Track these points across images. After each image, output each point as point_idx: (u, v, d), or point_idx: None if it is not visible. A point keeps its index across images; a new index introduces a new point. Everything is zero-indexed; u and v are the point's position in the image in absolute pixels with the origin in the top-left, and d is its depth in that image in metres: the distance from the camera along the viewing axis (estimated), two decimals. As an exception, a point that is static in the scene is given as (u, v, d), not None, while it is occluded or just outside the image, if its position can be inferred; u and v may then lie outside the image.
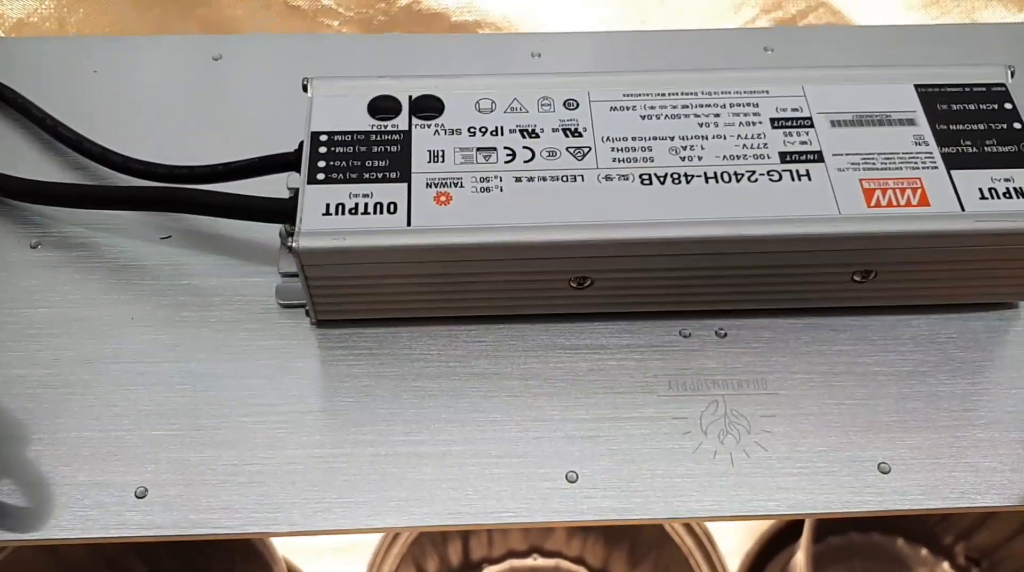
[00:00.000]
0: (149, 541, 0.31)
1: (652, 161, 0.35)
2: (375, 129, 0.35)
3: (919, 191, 0.34)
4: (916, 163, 0.34)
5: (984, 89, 0.37)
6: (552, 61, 0.45)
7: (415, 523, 0.31)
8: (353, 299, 0.34)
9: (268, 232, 0.37)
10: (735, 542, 0.84)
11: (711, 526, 0.78)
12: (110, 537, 0.31)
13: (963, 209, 0.33)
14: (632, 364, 0.35)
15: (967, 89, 0.37)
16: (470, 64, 0.45)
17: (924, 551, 0.87)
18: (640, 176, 0.34)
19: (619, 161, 0.35)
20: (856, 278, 0.35)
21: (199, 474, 0.32)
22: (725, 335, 0.36)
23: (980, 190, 0.34)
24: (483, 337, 0.36)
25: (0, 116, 0.42)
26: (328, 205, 0.33)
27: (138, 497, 0.32)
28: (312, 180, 0.33)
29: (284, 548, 0.75)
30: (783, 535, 0.85)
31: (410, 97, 0.36)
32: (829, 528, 0.84)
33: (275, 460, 0.33)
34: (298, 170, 0.34)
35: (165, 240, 0.38)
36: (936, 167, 0.34)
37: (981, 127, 0.36)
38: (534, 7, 0.74)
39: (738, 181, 0.34)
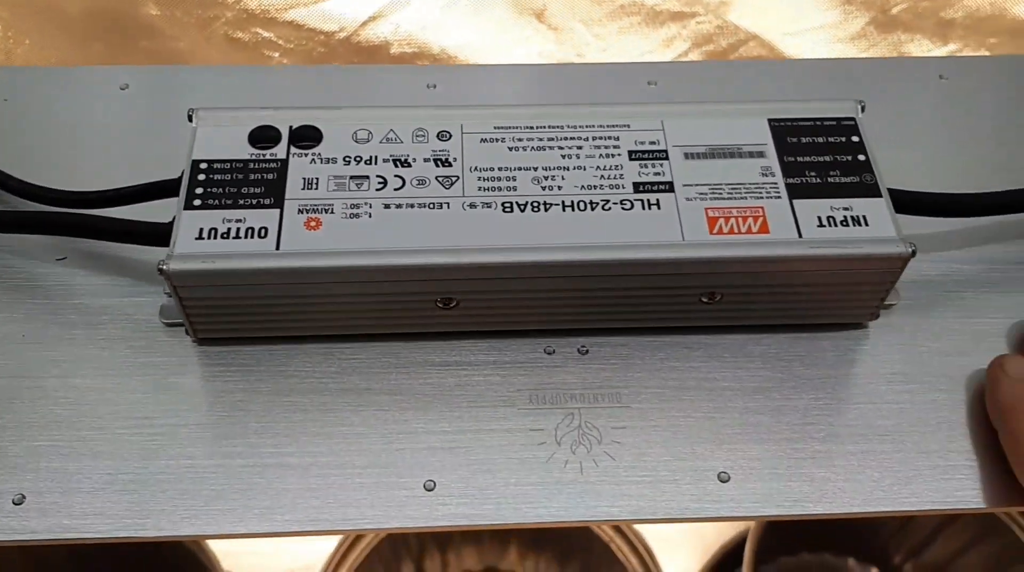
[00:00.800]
0: (22, 545, 0.33)
1: (515, 190, 0.37)
2: (253, 157, 0.37)
3: (760, 219, 0.36)
4: (761, 193, 0.37)
5: (834, 123, 0.39)
6: (446, 92, 0.47)
7: (276, 529, 0.33)
8: (228, 319, 0.36)
9: (159, 254, 0.39)
10: (683, 565, 0.86)
11: (659, 550, 0.81)
12: (-15, 541, 0.33)
13: (800, 236, 0.36)
14: (497, 379, 0.38)
15: (818, 123, 0.39)
16: (366, 93, 0.47)
17: (874, 570, 0.89)
18: (503, 204, 0.36)
19: (484, 190, 0.37)
20: (704, 300, 0.37)
21: (76, 483, 0.34)
22: (587, 352, 0.38)
23: (819, 218, 0.36)
24: (357, 354, 0.38)
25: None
26: (202, 229, 0.35)
27: (15, 504, 0.33)
28: (188, 206, 0.35)
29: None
30: (732, 556, 0.87)
31: (290, 127, 0.38)
32: (779, 549, 0.86)
33: (148, 470, 0.34)
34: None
35: (60, 261, 0.40)
36: (779, 197, 0.37)
37: (827, 159, 0.38)
38: (474, 41, 0.76)
39: (593, 209, 0.36)
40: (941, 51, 0.80)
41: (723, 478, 0.35)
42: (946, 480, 0.36)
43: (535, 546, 0.87)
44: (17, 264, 0.40)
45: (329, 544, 0.78)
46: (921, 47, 0.81)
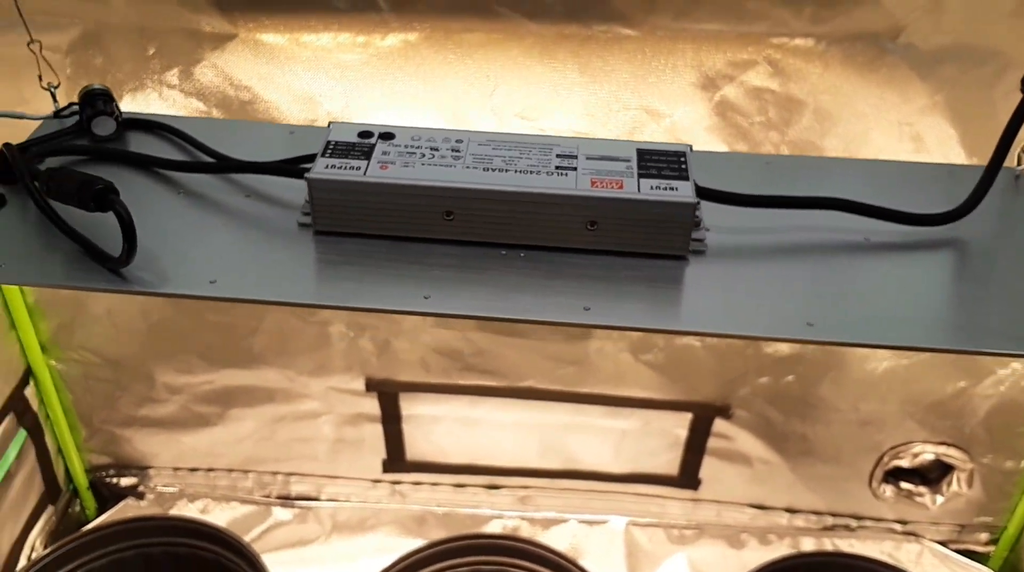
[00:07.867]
0: None
1: (492, 163, 0.70)
2: (358, 142, 0.71)
3: (620, 183, 0.68)
4: (625, 174, 0.69)
5: (674, 152, 0.72)
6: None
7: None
8: (343, 213, 0.69)
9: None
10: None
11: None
12: None
13: (639, 192, 0.67)
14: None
15: (665, 151, 0.72)
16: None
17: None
18: (484, 168, 0.69)
19: (476, 162, 0.70)
20: (588, 226, 0.68)
21: None
22: (523, 256, 0.69)
23: (651, 186, 0.68)
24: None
25: None
26: (327, 166, 0.68)
27: None
28: (323, 156, 0.69)
29: None
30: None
31: (379, 133, 0.73)
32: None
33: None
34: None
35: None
36: (633, 177, 0.69)
37: (665, 164, 0.70)
38: (373, 106, 0.99)
39: (531, 174, 0.69)
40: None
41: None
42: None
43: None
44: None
45: None
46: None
